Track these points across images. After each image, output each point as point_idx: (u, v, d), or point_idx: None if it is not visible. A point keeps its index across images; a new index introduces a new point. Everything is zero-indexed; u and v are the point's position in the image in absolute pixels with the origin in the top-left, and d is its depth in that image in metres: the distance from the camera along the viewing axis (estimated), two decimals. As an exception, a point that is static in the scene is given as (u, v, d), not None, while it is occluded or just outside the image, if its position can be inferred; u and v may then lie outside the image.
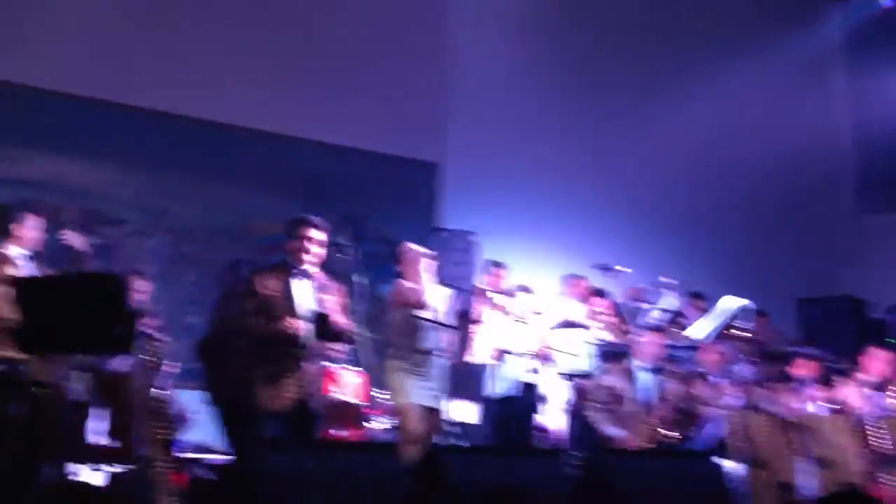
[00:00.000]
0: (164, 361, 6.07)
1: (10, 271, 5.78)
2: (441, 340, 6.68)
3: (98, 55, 8.64)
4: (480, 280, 9.22)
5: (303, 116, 9.82)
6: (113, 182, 8.99)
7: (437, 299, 6.57)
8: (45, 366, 5.26)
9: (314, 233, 5.80)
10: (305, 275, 5.78)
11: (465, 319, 9.00)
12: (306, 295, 5.76)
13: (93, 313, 4.82)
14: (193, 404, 7.05)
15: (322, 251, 5.86)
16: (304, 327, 5.64)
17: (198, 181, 9.41)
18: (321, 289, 5.83)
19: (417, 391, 6.43)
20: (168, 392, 6.16)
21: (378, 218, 10.01)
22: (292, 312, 5.67)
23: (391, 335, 6.60)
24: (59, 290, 4.93)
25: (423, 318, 6.50)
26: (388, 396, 6.77)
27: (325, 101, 9.92)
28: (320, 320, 5.70)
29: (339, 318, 5.78)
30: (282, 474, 4.54)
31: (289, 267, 5.80)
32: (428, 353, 6.54)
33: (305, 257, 5.77)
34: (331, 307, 5.78)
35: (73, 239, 6.50)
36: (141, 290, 7.10)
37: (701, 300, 8.93)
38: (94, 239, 8.24)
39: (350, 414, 7.14)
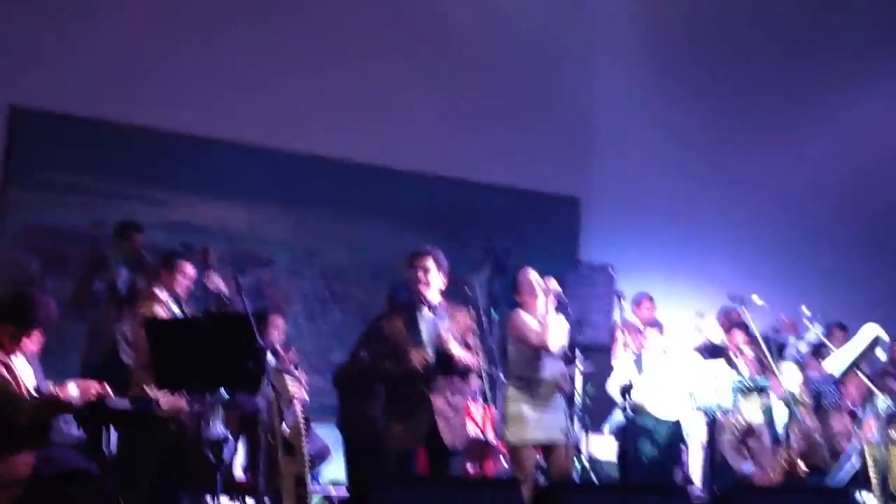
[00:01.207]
0: (299, 398, 6.28)
1: (160, 313, 6.18)
2: (562, 372, 6.53)
3: (250, 101, 9.05)
4: (626, 312, 9.18)
5: (449, 155, 10.04)
6: (266, 223, 9.39)
7: (558, 330, 6.42)
8: (181, 402, 5.57)
9: (429, 263, 5.88)
10: (428, 307, 5.87)
11: (606, 354, 8.97)
12: (430, 327, 5.85)
13: (221, 352, 5.13)
14: (333, 439, 7.33)
15: (440, 280, 5.93)
16: (431, 360, 5.72)
17: (348, 221, 9.73)
18: (442, 319, 5.88)
19: (536, 425, 6.25)
20: (303, 427, 6.35)
21: (520, 253, 10.12)
22: (419, 348, 5.77)
23: (510, 366, 6.49)
24: (187, 330, 5.24)
25: (539, 351, 6.33)
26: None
27: (470, 139, 10.10)
28: (440, 354, 5.76)
29: (458, 350, 5.77)
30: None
31: (413, 304, 5.92)
32: (550, 384, 6.35)
33: (423, 289, 5.87)
34: (451, 338, 5.80)
35: (216, 282, 6.85)
36: (278, 328, 7.42)
37: (842, 331, 8.65)
38: (245, 280, 8.71)
39: (483, 450, 7.15)
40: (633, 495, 5.23)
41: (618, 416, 7.58)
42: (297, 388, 6.54)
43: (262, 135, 9.22)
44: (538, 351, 6.31)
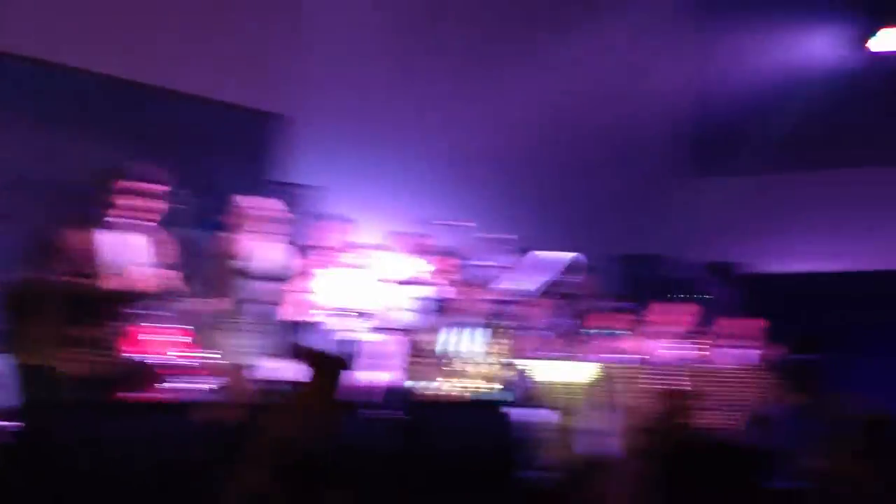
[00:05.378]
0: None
1: None
2: (263, 295, 6.53)
3: None
4: (324, 235, 9.21)
5: (139, 59, 9.47)
6: None
7: (264, 255, 6.44)
8: None
9: (128, 183, 5.64)
10: (118, 227, 5.62)
11: (296, 275, 8.98)
12: (118, 249, 5.60)
13: None
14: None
15: (137, 202, 5.68)
16: (117, 283, 5.51)
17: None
18: (132, 242, 5.66)
19: (236, 347, 6.26)
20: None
21: (218, 170, 9.83)
22: (104, 268, 5.52)
23: (211, 289, 6.44)
24: None
25: (244, 273, 6.34)
26: (209, 354, 6.52)
27: (165, 44, 9.58)
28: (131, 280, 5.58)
29: (141, 275, 5.59)
30: (78, 437, 4.41)
31: (98, 220, 5.63)
32: (249, 307, 6.36)
33: (114, 210, 5.61)
34: (139, 262, 5.61)
35: None
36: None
37: (531, 254, 9.08)
38: None
39: (149, 374, 6.96)
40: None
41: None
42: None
43: None
44: (243, 274, 6.31)
